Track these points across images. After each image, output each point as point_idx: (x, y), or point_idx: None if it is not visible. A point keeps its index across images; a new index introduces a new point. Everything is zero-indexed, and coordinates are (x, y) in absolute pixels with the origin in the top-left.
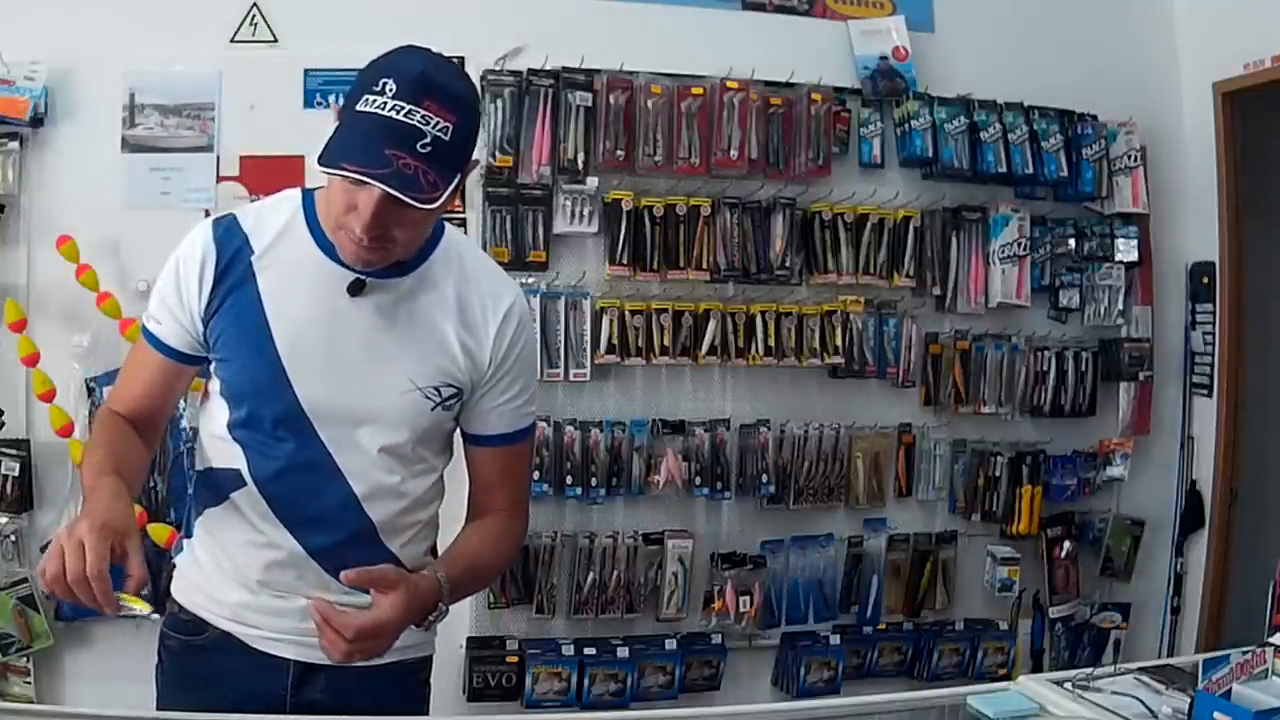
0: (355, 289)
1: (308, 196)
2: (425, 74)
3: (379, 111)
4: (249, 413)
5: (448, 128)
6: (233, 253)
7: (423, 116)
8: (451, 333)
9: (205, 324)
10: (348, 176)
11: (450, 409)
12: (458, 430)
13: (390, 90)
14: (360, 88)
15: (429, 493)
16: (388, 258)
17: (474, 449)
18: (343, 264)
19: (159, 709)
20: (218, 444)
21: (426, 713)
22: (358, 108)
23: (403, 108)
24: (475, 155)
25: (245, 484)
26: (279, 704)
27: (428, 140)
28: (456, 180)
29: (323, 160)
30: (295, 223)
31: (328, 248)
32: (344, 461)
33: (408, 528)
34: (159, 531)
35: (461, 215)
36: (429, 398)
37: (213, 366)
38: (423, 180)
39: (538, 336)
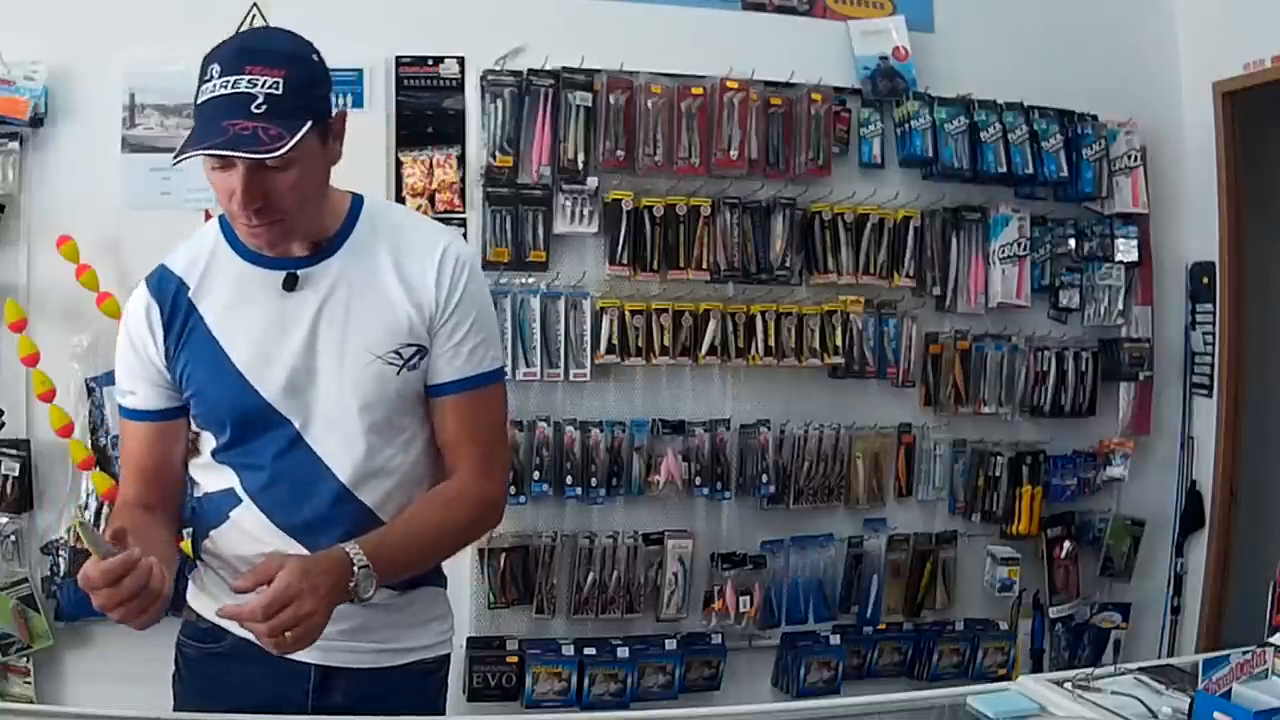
0: (289, 284)
1: (223, 219)
2: (242, 44)
3: (211, 94)
4: (230, 436)
5: (277, 83)
6: (172, 297)
7: (249, 81)
8: (396, 292)
9: (170, 370)
10: (187, 157)
11: (416, 368)
12: None
13: (215, 72)
14: (198, 83)
15: (419, 464)
16: (288, 231)
17: (434, 402)
18: (271, 265)
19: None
20: (208, 471)
21: (444, 712)
22: (197, 101)
23: (228, 81)
24: (340, 107)
25: (241, 500)
26: (300, 709)
27: (260, 100)
28: (308, 127)
29: (175, 156)
30: (219, 247)
31: (253, 257)
32: (327, 454)
33: (408, 505)
34: None
35: (462, 215)
36: (391, 363)
37: (191, 411)
38: (262, 135)
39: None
